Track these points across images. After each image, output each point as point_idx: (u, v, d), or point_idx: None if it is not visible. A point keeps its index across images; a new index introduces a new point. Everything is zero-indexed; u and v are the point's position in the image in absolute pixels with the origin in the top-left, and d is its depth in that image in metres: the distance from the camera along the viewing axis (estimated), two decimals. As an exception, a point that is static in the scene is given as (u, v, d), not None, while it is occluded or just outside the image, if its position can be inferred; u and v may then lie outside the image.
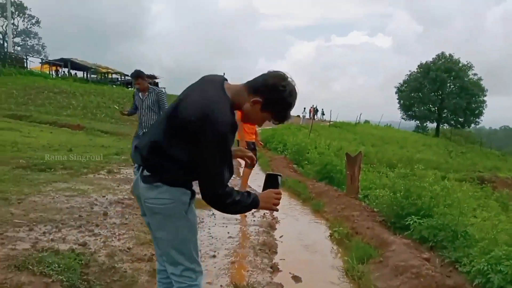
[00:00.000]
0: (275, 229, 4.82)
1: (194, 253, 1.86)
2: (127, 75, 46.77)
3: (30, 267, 2.67)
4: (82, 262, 2.97)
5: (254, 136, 5.55)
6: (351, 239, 4.27)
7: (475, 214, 5.03)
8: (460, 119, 49.92)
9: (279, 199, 1.83)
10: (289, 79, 1.74)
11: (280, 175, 1.91)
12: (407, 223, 4.19)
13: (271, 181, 1.86)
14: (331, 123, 32.31)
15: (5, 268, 2.63)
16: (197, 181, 1.76)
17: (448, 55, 49.86)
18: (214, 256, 3.70)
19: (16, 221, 3.88)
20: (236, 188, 1.82)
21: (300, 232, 4.80)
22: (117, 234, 3.93)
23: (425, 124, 56.63)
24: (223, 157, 1.69)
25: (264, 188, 1.85)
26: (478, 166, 23.32)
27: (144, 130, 5.47)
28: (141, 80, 5.47)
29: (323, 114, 42.72)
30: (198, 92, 1.76)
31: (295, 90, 1.76)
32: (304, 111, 36.80)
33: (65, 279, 2.64)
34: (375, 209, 5.10)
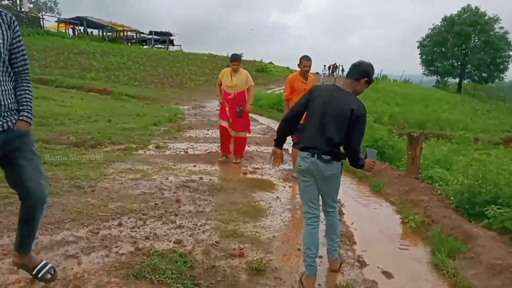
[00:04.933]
0: (343, 213, 4.79)
1: None
2: (143, 33, 46.05)
3: (147, 275, 2.72)
4: (188, 264, 3.02)
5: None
6: (429, 228, 4.24)
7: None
8: (484, 74, 48.65)
9: (375, 165, 3.03)
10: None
11: (376, 150, 3.18)
12: (486, 212, 4.13)
13: (368, 154, 3.04)
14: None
15: (124, 278, 2.68)
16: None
17: (474, 8, 47.82)
18: (298, 249, 3.68)
19: (100, 214, 3.95)
20: None
21: (370, 218, 4.76)
22: (198, 225, 3.96)
23: (446, 79, 55.48)
24: None
25: (365, 157, 3.02)
26: (506, 125, 22.85)
27: None
28: None
29: (343, 70, 41.85)
30: (341, 95, 2.91)
31: None
32: (324, 68, 36.03)
33: (182, 287, 2.70)
34: (448, 193, 4.96)
